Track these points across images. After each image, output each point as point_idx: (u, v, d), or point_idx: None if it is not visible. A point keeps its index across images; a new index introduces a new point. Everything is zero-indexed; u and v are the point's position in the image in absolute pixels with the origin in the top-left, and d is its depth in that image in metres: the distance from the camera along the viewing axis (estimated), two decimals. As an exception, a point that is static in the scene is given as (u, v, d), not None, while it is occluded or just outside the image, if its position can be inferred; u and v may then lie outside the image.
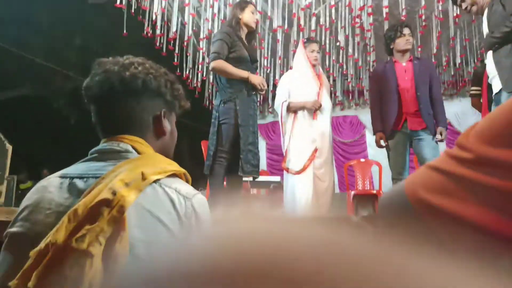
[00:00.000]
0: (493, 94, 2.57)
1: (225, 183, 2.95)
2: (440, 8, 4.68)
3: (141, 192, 0.74)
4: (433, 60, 5.48)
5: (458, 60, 5.97)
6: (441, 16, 4.86)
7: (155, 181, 0.78)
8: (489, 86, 2.88)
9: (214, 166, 2.76)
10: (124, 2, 4.38)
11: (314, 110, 3.22)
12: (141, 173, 0.75)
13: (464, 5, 2.71)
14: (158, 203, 0.76)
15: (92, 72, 0.89)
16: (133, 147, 0.85)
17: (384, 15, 4.38)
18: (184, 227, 0.76)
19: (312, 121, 3.24)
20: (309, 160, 3.16)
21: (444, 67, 6.55)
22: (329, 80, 5.35)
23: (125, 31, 4.46)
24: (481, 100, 3.48)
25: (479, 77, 3.50)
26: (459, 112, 7.33)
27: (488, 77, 3.37)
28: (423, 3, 4.28)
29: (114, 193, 0.70)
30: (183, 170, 0.86)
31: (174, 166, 0.84)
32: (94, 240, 0.65)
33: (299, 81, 3.31)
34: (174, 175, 0.84)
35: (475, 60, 6.01)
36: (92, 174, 0.79)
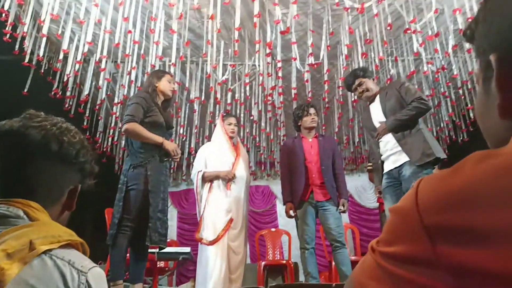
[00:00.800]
0: (393, 168, 2.79)
1: (128, 255, 2.72)
2: (340, 93, 5.31)
3: (27, 265, 0.64)
4: (335, 138, 6.05)
5: (356, 139, 6.66)
6: (341, 100, 5.50)
7: (45, 252, 0.68)
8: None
9: (117, 236, 2.54)
10: (34, 62, 4.18)
11: (228, 180, 3.25)
12: (29, 242, 0.66)
13: (357, 92, 3.08)
14: (46, 278, 0.66)
15: (23, 122, 0.79)
16: (25, 213, 0.74)
17: (293, 96, 4.80)
18: None
19: (227, 191, 3.25)
20: (223, 230, 3.12)
21: (344, 145, 7.24)
22: (243, 151, 5.52)
23: (25, 90, 4.20)
24: (377, 175, 3.86)
25: (374, 154, 3.93)
26: (359, 185, 8.01)
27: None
28: (326, 88, 4.82)
29: None
30: (80, 240, 0.76)
31: (69, 235, 0.75)
32: None
33: (216, 152, 3.37)
34: (69, 245, 0.74)
35: (370, 140, 6.77)
36: None
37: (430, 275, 0.35)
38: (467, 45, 4.18)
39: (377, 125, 2.92)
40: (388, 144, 2.83)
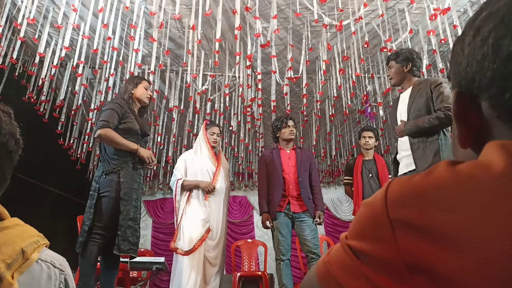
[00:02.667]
0: (406, 172, 2.61)
1: (99, 263, 2.65)
2: (318, 107, 5.39)
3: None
4: (312, 151, 6.11)
5: (333, 152, 6.76)
6: (319, 114, 5.59)
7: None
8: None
9: (87, 244, 2.47)
10: (7, 64, 4.07)
11: (207, 191, 3.20)
12: (22, 251, 0.68)
13: (388, 72, 2.88)
14: (36, 283, 0.70)
15: None
16: None
17: (272, 108, 4.84)
18: None
19: (205, 201, 3.20)
20: (200, 240, 3.06)
21: (322, 158, 7.33)
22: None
23: (0, 93, 4.07)
24: (353, 188, 3.92)
25: (351, 168, 3.99)
26: (335, 198, 8.11)
27: (361, 169, 3.85)
28: (305, 101, 4.89)
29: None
30: (47, 242, 0.79)
31: (42, 238, 0.77)
32: None
33: (197, 161, 3.33)
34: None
35: (347, 154, 6.89)
36: None
37: (389, 272, 0.38)
38: (440, 65, 4.34)
39: (399, 118, 2.75)
40: (404, 145, 2.66)
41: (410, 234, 0.37)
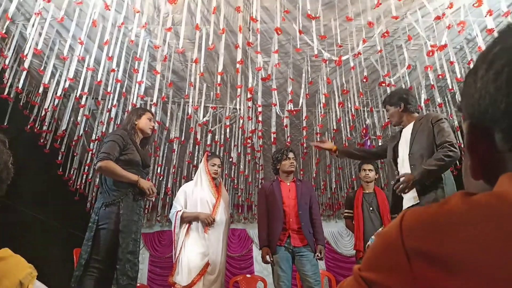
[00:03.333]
0: (410, 206, 2.56)
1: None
2: (318, 139, 5.40)
3: None
4: (312, 183, 6.07)
5: (333, 185, 6.72)
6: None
7: None
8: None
9: (83, 278, 2.40)
10: (12, 95, 4.12)
11: (206, 224, 3.15)
12: (20, 283, 0.69)
13: (387, 115, 2.97)
14: None
15: None
16: None
17: (272, 140, 4.86)
18: None
19: (205, 234, 3.14)
20: (199, 275, 2.97)
21: (322, 190, 7.27)
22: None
23: (6, 123, 4.10)
24: (353, 222, 3.86)
25: (351, 201, 3.95)
26: (335, 232, 7.98)
27: (362, 202, 3.82)
28: (304, 133, 4.92)
29: None
30: (37, 273, 0.80)
31: (33, 269, 0.78)
32: None
33: (197, 192, 3.29)
34: None
35: (347, 186, 6.84)
36: None
37: None
38: (438, 100, 4.40)
39: (402, 150, 2.75)
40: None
41: (426, 263, 0.37)
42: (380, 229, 3.51)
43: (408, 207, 2.56)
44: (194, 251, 3.06)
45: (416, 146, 2.62)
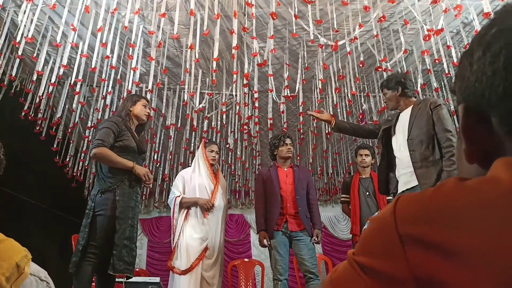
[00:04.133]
0: (404, 190, 2.61)
1: (94, 284, 2.59)
2: (315, 125, 5.42)
3: None
4: (309, 169, 6.11)
5: (330, 170, 6.75)
6: (316, 132, 5.61)
7: None
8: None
9: (81, 264, 2.42)
10: (5, 82, 4.08)
11: (206, 209, 3.18)
12: (16, 265, 0.71)
13: (384, 99, 2.94)
14: None
15: None
16: None
17: (269, 126, 4.86)
18: None
19: (204, 219, 3.18)
20: (197, 259, 3.01)
21: (319, 176, 7.32)
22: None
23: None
24: (350, 206, 3.90)
25: (347, 186, 3.98)
26: (332, 216, 8.06)
27: (358, 187, 3.85)
28: (301, 119, 4.92)
29: None
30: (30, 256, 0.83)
31: (27, 251, 0.80)
32: None
33: (195, 178, 3.31)
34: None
35: (344, 172, 6.89)
36: None
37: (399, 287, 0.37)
38: (434, 84, 4.40)
39: (399, 133, 2.75)
40: (403, 162, 2.65)
41: (420, 249, 0.37)
42: (376, 213, 3.56)
43: (402, 191, 2.63)
44: (193, 236, 3.10)
45: (415, 131, 2.62)
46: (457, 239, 0.35)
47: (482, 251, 0.34)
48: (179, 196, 3.24)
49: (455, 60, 3.92)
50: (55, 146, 5.03)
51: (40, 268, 0.82)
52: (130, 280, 2.77)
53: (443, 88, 4.94)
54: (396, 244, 0.38)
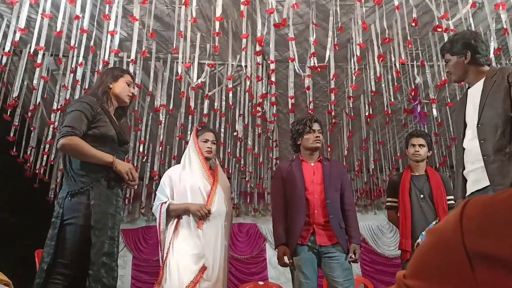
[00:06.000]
0: (474, 192, 2.59)
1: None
2: (351, 105, 5.38)
3: None
4: (344, 163, 6.09)
5: (371, 166, 6.72)
6: (352, 114, 5.57)
7: None
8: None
9: (47, 287, 2.45)
10: None
11: (200, 217, 3.20)
12: None
13: (446, 67, 2.89)
14: None
15: None
16: None
17: (290, 107, 4.85)
18: None
19: (198, 231, 3.20)
20: (193, 282, 3.05)
21: (356, 173, 7.29)
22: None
23: None
24: (398, 214, 3.88)
25: (395, 186, 3.95)
26: (374, 226, 8.05)
27: (410, 187, 3.82)
28: (333, 98, 4.89)
29: None
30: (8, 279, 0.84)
31: (2, 275, 0.83)
32: None
33: (186, 178, 3.34)
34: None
35: (390, 167, 6.85)
36: None
37: None
38: (513, 49, 4.32)
39: (468, 115, 2.69)
40: (471, 155, 2.62)
41: (494, 269, 0.36)
42: (434, 223, 3.53)
43: (471, 193, 2.60)
44: (185, 252, 3.12)
45: (488, 112, 2.54)
46: None
47: None
48: (166, 202, 3.27)
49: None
50: (11, 135, 5.11)
51: None
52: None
53: (526, 54, 4.85)
54: (463, 264, 0.38)
